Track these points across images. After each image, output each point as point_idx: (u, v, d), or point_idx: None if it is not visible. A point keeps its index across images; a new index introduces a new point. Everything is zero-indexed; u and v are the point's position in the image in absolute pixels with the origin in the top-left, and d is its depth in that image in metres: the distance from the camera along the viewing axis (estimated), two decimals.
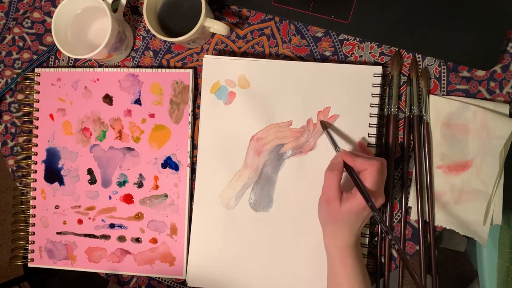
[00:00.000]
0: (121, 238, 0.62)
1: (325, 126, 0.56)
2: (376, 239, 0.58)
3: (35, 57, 0.66)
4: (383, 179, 0.50)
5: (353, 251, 0.51)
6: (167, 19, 0.59)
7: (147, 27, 0.58)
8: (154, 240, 0.61)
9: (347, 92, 0.57)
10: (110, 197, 0.62)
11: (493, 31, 0.55)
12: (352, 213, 0.49)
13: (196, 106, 0.62)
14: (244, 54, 0.62)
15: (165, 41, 0.63)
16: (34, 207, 0.64)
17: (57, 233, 0.64)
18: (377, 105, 0.56)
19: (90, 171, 0.63)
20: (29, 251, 0.64)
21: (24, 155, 0.65)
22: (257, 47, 0.61)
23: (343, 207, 0.48)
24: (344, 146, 0.56)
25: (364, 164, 0.48)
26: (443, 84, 0.57)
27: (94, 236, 0.63)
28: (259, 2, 0.59)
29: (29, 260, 0.65)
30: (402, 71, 0.58)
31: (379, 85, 0.56)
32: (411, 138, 0.57)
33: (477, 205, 0.55)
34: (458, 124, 0.55)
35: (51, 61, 0.66)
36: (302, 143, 0.58)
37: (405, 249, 0.57)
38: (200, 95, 0.61)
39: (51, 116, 0.64)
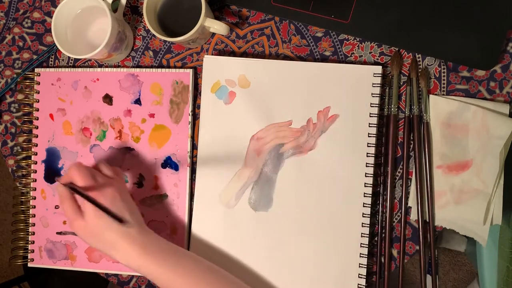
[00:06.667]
0: None
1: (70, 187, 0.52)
2: (376, 239, 0.58)
3: (35, 57, 0.66)
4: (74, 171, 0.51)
5: (147, 249, 0.49)
6: (167, 19, 0.59)
7: (147, 27, 0.58)
8: None
9: (347, 92, 0.57)
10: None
11: (493, 31, 0.55)
12: (97, 217, 0.48)
13: (196, 106, 0.62)
14: (244, 54, 0.62)
15: (165, 41, 0.63)
16: (34, 207, 0.64)
17: (57, 233, 0.64)
18: (377, 105, 0.56)
19: None
20: (29, 251, 0.64)
21: (24, 155, 0.65)
22: (257, 47, 0.61)
23: (86, 219, 0.49)
24: (343, 146, 0.56)
25: (70, 173, 0.51)
26: (443, 84, 0.57)
27: None
28: (259, 2, 0.59)
29: (29, 260, 0.65)
30: (402, 71, 0.58)
31: (379, 85, 0.56)
32: (411, 138, 0.57)
33: (477, 205, 0.55)
34: (458, 124, 0.55)
35: (51, 61, 0.66)
36: (302, 143, 0.58)
37: (404, 249, 0.57)
38: (200, 95, 0.61)
39: (51, 116, 0.64)
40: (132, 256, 0.49)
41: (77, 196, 0.50)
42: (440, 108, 0.56)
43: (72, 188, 0.49)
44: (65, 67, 0.65)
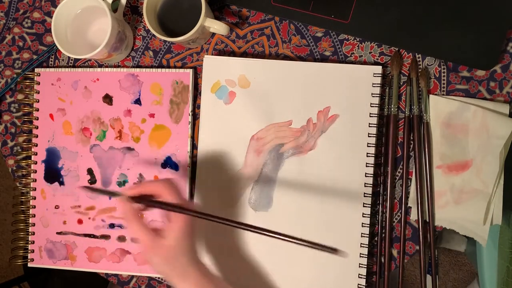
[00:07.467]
0: (121, 238, 0.62)
1: (90, 188, 0.48)
2: (376, 239, 0.58)
3: (35, 57, 0.66)
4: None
5: (206, 278, 0.46)
6: (167, 19, 0.59)
7: (147, 27, 0.58)
8: None
9: (347, 92, 0.57)
10: (110, 197, 0.62)
11: (493, 31, 0.55)
12: (185, 237, 0.44)
13: (196, 106, 0.62)
14: (244, 54, 0.62)
15: (165, 41, 0.63)
16: (34, 207, 0.64)
17: (57, 233, 0.64)
18: (377, 105, 0.56)
19: (90, 171, 0.63)
20: (29, 251, 0.64)
21: (24, 155, 0.65)
22: (257, 47, 0.61)
23: (170, 240, 0.44)
24: (343, 146, 0.56)
25: (155, 188, 0.45)
26: (443, 84, 0.57)
27: (94, 236, 0.63)
28: (259, 2, 0.59)
29: (29, 260, 0.65)
30: (402, 71, 0.58)
31: (379, 85, 0.56)
32: (411, 138, 0.57)
33: (477, 205, 0.55)
34: (458, 124, 0.55)
35: (51, 61, 0.66)
36: (302, 143, 0.58)
37: (404, 249, 0.57)
38: (200, 95, 0.61)
39: (51, 116, 0.64)
40: (202, 285, 0.45)
41: (155, 215, 0.44)
42: (440, 108, 0.56)
43: (163, 204, 0.44)
44: (65, 67, 0.65)
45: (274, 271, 0.57)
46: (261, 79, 0.59)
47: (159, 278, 0.63)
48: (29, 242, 0.64)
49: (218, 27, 0.54)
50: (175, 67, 0.63)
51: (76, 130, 0.63)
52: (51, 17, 0.61)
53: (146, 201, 0.45)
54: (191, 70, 0.61)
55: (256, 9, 0.60)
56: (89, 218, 0.63)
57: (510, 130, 0.53)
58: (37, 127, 0.65)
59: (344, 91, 0.57)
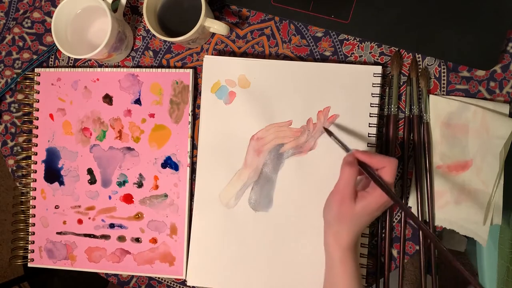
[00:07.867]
0: (121, 238, 0.62)
1: (330, 132, 0.54)
2: (376, 239, 0.58)
3: (35, 57, 0.66)
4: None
5: (354, 253, 0.50)
6: (167, 19, 0.59)
7: (147, 27, 0.58)
8: (154, 240, 0.61)
9: (347, 92, 0.57)
10: (110, 197, 0.62)
11: (493, 31, 0.55)
12: (367, 212, 0.47)
13: (196, 106, 0.62)
14: (244, 54, 0.62)
15: (165, 41, 0.63)
16: (34, 207, 0.64)
17: (57, 233, 0.64)
18: (377, 105, 0.56)
19: (90, 171, 0.63)
20: (29, 251, 0.64)
21: (24, 155, 0.65)
22: (257, 47, 0.61)
23: (358, 206, 0.47)
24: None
25: (383, 161, 0.47)
26: (443, 84, 0.57)
27: (94, 236, 0.63)
28: (259, 2, 0.59)
29: (29, 260, 0.65)
30: (402, 71, 0.58)
31: (379, 85, 0.56)
32: (411, 138, 0.57)
33: (477, 205, 0.55)
34: (458, 124, 0.55)
35: (51, 61, 0.66)
36: (302, 143, 0.58)
37: (404, 249, 0.57)
38: (200, 95, 0.61)
39: (51, 116, 0.64)
40: (345, 256, 0.49)
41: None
42: (440, 108, 0.56)
43: (363, 167, 0.48)
44: (65, 67, 0.65)
45: (274, 271, 0.57)
46: (261, 79, 0.59)
47: (159, 278, 0.63)
48: (29, 242, 0.64)
49: (218, 27, 0.55)
50: (175, 67, 0.63)
51: (76, 130, 0.63)
52: (51, 17, 0.61)
53: (366, 169, 0.48)
54: (191, 70, 0.61)
55: (256, 9, 0.60)
56: (89, 218, 0.63)
57: (510, 130, 0.53)
58: (37, 127, 0.65)
59: (344, 91, 0.57)
